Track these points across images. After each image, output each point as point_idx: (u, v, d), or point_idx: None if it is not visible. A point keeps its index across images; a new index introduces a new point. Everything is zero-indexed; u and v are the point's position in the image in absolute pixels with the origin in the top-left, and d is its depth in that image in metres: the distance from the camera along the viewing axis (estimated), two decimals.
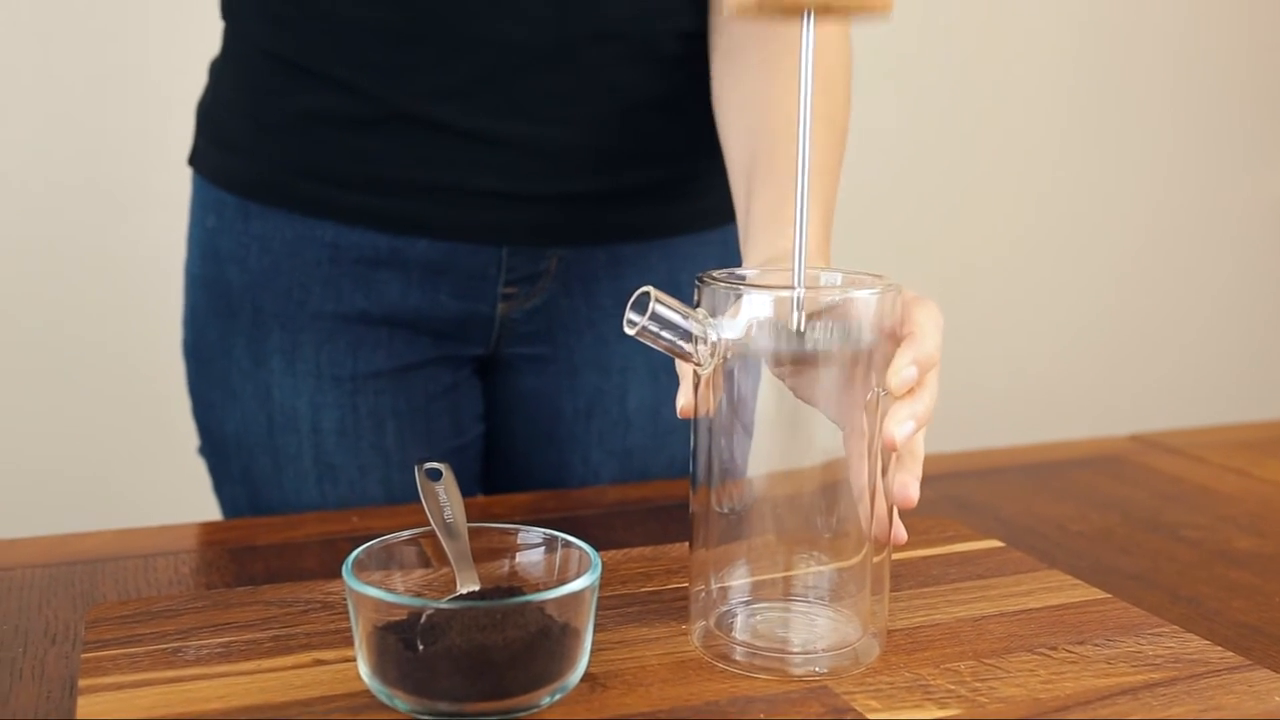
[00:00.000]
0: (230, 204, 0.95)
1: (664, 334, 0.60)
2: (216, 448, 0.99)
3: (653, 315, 0.59)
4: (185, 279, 1.00)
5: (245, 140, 0.94)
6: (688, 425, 0.65)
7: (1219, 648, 0.65)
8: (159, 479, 1.88)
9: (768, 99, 0.84)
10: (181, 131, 1.05)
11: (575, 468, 1.02)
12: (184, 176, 1.02)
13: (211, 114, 0.98)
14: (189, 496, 1.80)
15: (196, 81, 1.01)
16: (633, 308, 0.59)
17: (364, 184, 0.91)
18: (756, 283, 0.65)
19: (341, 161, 0.91)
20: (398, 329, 0.95)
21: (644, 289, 0.59)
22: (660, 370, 1.00)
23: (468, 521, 0.67)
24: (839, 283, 0.64)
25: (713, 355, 0.60)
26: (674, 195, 0.99)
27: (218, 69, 0.98)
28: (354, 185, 0.91)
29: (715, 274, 0.62)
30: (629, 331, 0.59)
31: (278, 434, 0.94)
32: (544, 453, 1.03)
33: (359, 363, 0.94)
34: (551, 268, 0.96)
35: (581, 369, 1.00)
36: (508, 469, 1.05)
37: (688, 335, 0.60)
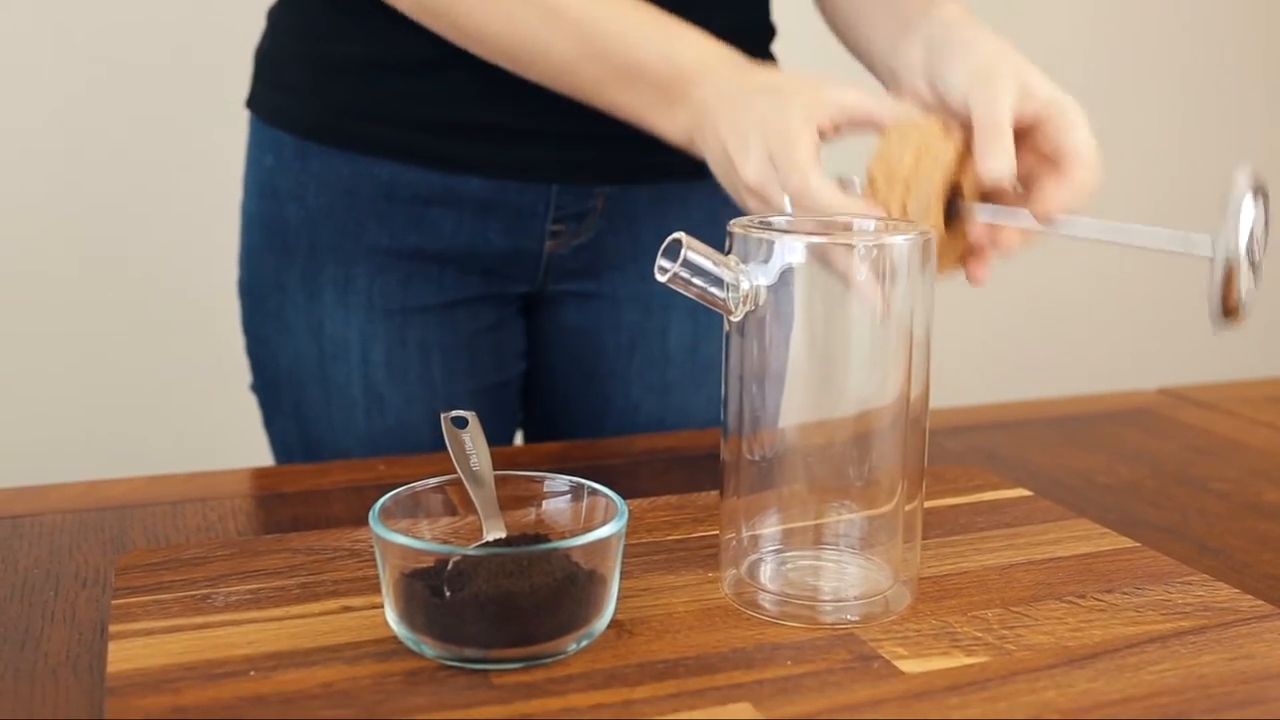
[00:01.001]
0: (288, 144, 0.97)
1: (695, 281, 0.59)
2: (269, 383, 1.02)
3: (684, 262, 0.59)
4: (242, 218, 1.03)
5: (303, 83, 0.96)
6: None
7: (1249, 596, 0.65)
8: (189, 427, 1.89)
9: None
10: (238, 76, 1.06)
11: (615, 402, 1.04)
12: (238, 120, 1.04)
13: (270, 57, 1.00)
14: (218, 444, 1.81)
15: (254, 27, 1.03)
16: (664, 254, 0.59)
17: (418, 124, 0.93)
18: (787, 229, 0.64)
19: (396, 103, 0.93)
20: (448, 265, 0.97)
21: (675, 235, 0.59)
22: (699, 308, 1.01)
23: (494, 470, 0.67)
24: (872, 229, 0.64)
25: (744, 302, 0.60)
26: None
27: (275, 14, 1.00)
28: (409, 125, 0.93)
29: (746, 221, 0.62)
30: (660, 278, 0.59)
31: (328, 364, 0.97)
32: (585, 388, 1.05)
33: (409, 296, 0.96)
34: (599, 205, 0.98)
35: (624, 305, 1.02)
36: (547, 406, 1.07)
37: (719, 282, 0.59)
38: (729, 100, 0.74)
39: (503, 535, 0.63)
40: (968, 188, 0.72)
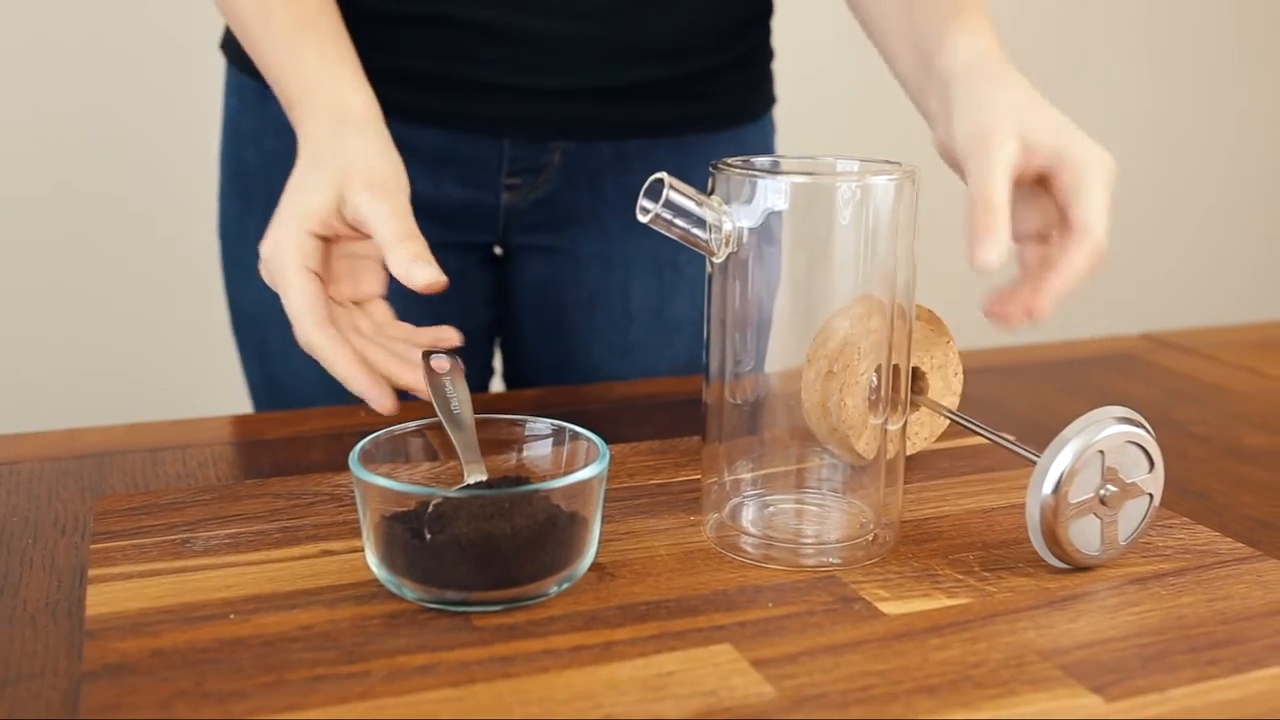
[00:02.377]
0: (249, 87, 0.97)
1: (677, 222, 0.59)
2: (238, 323, 1.03)
3: (666, 202, 0.58)
4: (219, 162, 1.03)
5: None
6: (692, 324, 0.64)
7: (1228, 539, 0.65)
8: (167, 375, 1.88)
9: None
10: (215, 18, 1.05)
11: (577, 361, 1.03)
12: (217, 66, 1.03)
13: None
14: (197, 391, 1.80)
15: None
16: (646, 194, 0.58)
17: (372, 73, 0.91)
18: (772, 170, 0.63)
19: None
20: None
21: (658, 175, 0.58)
22: (665, 267, 1.00)
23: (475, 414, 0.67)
24: (856, 170, 0.63)
25: (727, 244, 0.59)
26: (680, 94, 0.98)
27: None
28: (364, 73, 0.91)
29: (730, 161, 0.61)
30: (642, 219, 0.58)
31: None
32: (548, 345, 1.04)
33: None
34: (554, 161, 0.96)
35: (585, 262, 1.00)
36: (517, 361, 1.07)
37: (701, 223, 0.59)
38: (307, 146, 0.76)
39: (484, 479, 0.63)
40: (930, 364, 0.72)
